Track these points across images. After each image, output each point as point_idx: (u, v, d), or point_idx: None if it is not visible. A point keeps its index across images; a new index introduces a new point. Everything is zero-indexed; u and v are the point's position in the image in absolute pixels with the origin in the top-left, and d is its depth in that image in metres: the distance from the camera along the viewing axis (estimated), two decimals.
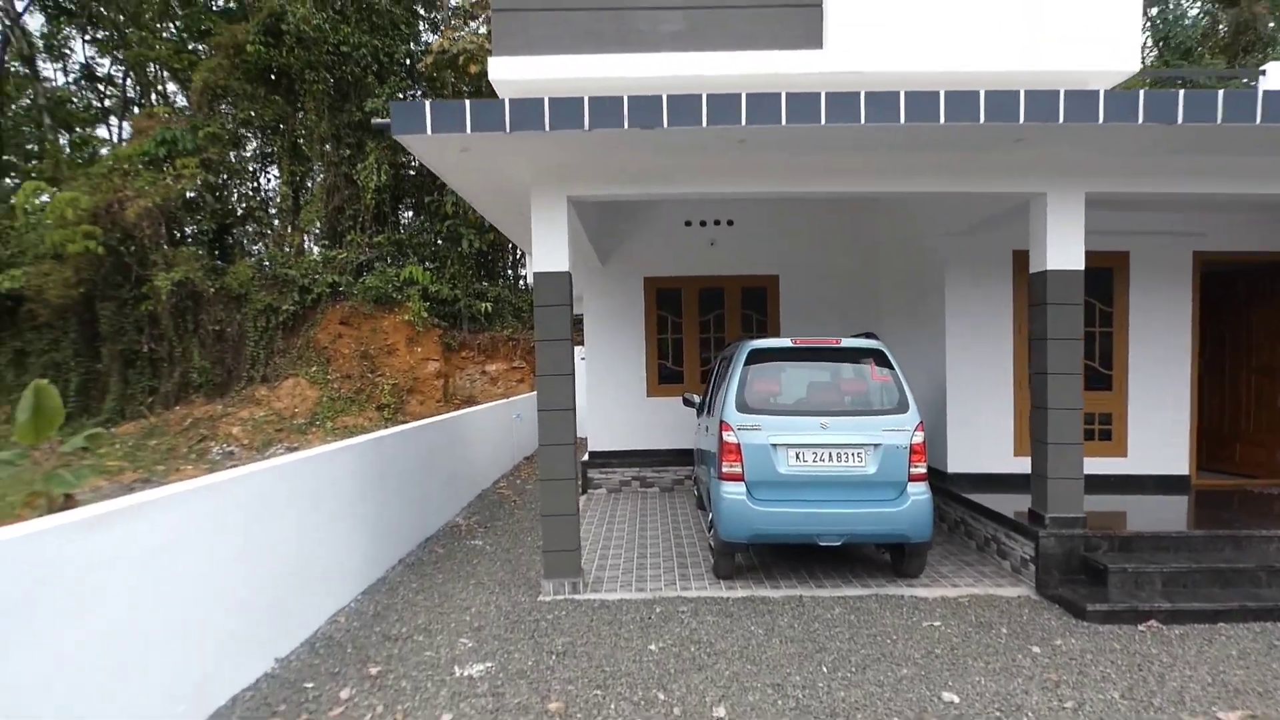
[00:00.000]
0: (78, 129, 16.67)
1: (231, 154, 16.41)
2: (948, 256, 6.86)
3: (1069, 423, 5.11)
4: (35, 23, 20.74)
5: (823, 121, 4.06)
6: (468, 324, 17.38)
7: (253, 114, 16.26)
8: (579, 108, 3.97)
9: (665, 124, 4.01)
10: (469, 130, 3.99)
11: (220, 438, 13.59)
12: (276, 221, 16.48)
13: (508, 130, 4.01)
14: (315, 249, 16.27)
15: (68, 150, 15.81)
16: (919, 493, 4.97)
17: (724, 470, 4.99)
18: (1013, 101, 4.21)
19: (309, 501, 4.47)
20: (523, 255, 18.84)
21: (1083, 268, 5.11)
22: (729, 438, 4.99)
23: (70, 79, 20.87)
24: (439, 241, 17.16)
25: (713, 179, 4.94)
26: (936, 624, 4.47)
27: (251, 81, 16.08)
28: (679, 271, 8.96)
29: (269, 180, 17.72)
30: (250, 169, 17.31)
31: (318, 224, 16.44)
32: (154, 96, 19.76)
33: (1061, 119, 4.23)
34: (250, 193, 16.93)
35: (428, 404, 16.26)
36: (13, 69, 18.37)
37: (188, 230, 15.77)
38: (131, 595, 2.88)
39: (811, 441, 4.93)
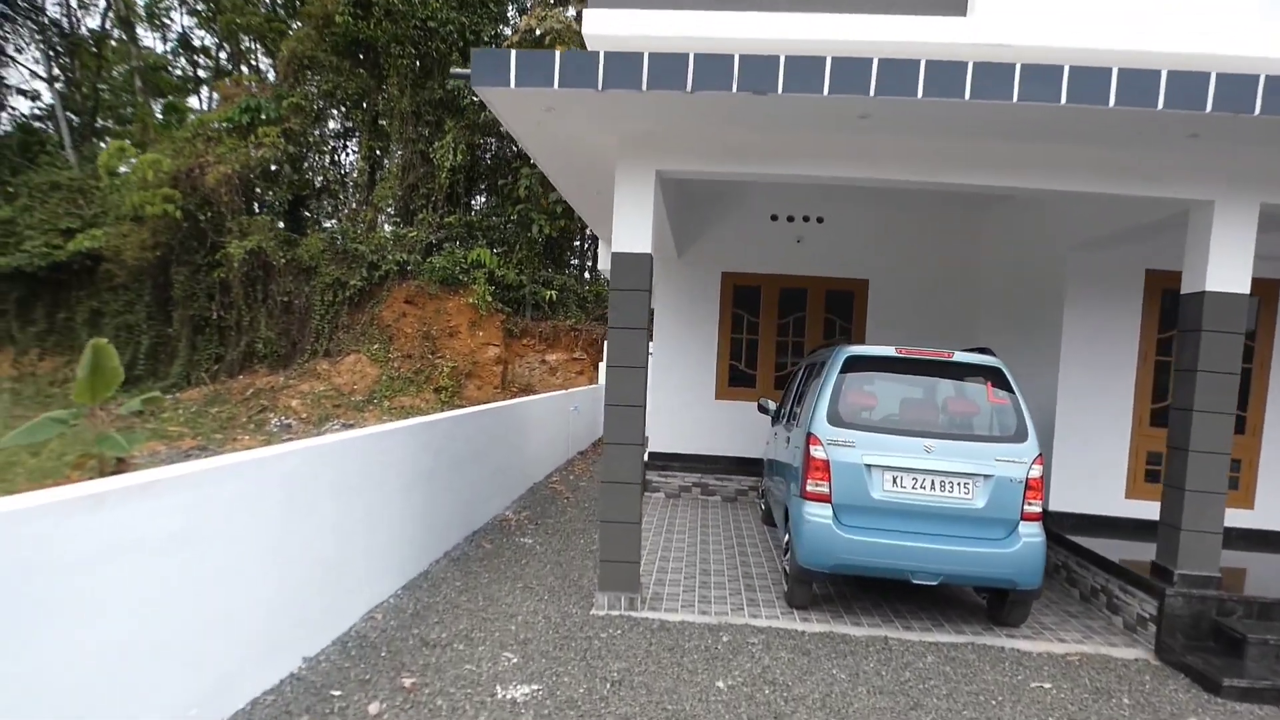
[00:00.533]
0: (170, 96, 17.40)
1: (314, 130, 16.77)
2: (1071, 271, 6.18)
3: (1214, 469, 4.43)
4: None
5: (967, 96, 3.52)
6: (531, 311, 17.27)
7: (337, 87, 16.55)
8: (682, 66, 3.55)
9: (780, 89, 3.55)
10: (556, 85, 3.63)
11: (279, 409, 13.86)
12: (351, 197, 16.77)
13: (599, 88, 3.62)
14: (386, 226, 16.46)
15: (159, 116, 16.51)
16: (1032, 534, 4.37)
17: (808, 489, 4.49)
18: (1199, 86, 3.56)
19: (353, 486, 4.21)
20: (593, 243, 18.63)
21: (1248, 291, 4.40)
22: (817, 453, 4.48)
23: (167, 48, 21.96)
24: (509, 225, 17.12)
25: (821, 160, 4.45)
26: (1046, 686, 3.91)
27: (338, 54, 16.38)
28: (760, 268, 8.45)
29: (348, 156, 18.11)
30: (330, 144, 17.70)
31: (391, 201, 16.64)
32: (245, 68, 20.55)
33: (1258, 109, 3.56)
34: (328, 166, 17.30)
35: (485, 389, 16.22)
36: (113, 35, 19.39)
37: (264, 200, 16.19)
38: (144, 586, 2.56)
39: (913, 465, 4.39)
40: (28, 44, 21.67)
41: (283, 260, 14.85)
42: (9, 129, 21.20)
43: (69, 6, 21.03)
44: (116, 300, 15.53)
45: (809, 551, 4.45)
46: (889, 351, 4.72)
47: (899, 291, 8.32)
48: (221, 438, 12.11)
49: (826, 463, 4.45)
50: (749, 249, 8.44)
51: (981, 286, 8.13)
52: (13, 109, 22.48)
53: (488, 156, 17.54)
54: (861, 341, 8.30)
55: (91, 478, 5.68)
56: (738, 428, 8.48)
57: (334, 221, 16.14)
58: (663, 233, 7.08)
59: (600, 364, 16.24)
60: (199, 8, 20.80)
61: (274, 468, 3.38)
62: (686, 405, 8.59)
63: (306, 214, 16.35)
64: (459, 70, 3.81)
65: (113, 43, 21.17)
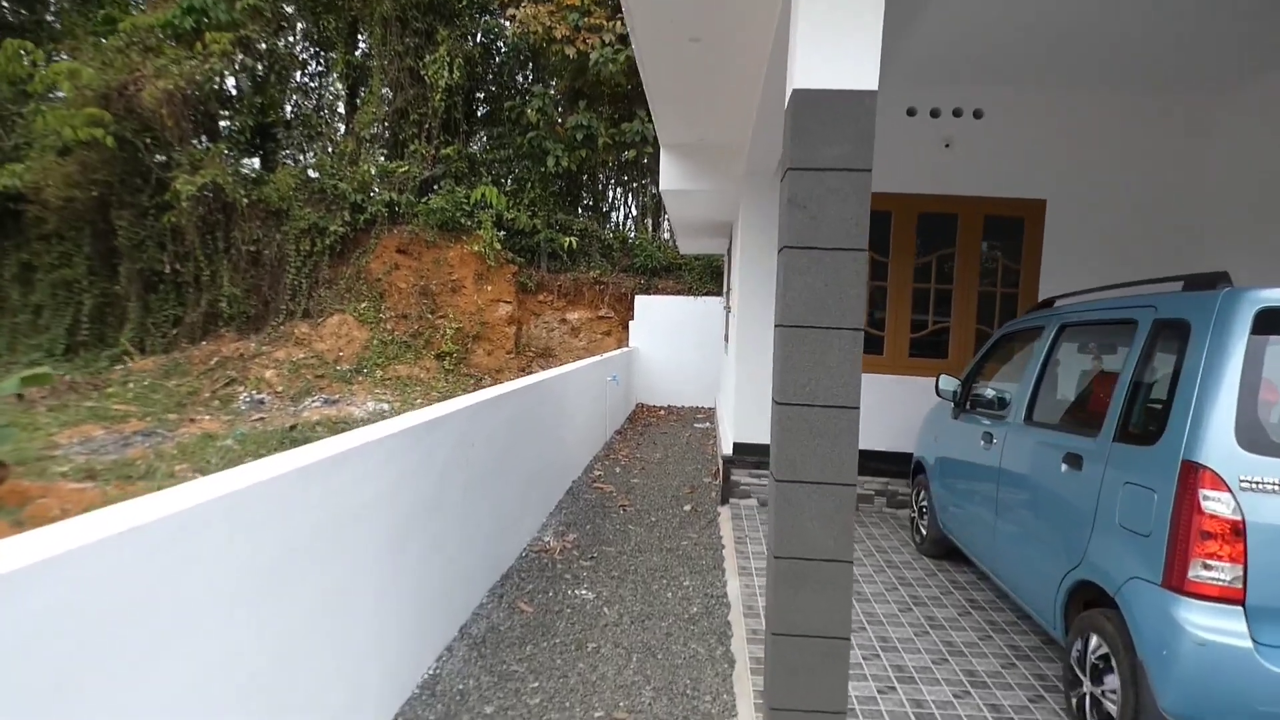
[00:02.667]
0: (105, 9, 14.59)
1: (278, 40, 14.18)
2: None
3: None
4: None
5: None
6: (547, 261, 15.00)
7: None
8: None
9: None
10: None
11: (250, 381, 11.80)
12: (328, 125, 14.31)
13: None
14: (372, 161, 14.05)
15: (96, 33, 14.02)
16: None
17: (1194, 576, 2.33)
18: None
19: (294, 563, 2.13)
20: (626, 175, 16.17)
21: None
22: (1217, 505, 2.30)
23: None
24: (518, 159, 14.68)
25: None
26: None
27: None
28: (891, 186, 6.14)
29: (321, 73, 15.38)
30: (300, 59, 14.99)
31: (376, 129, 14.23)
32: None
33: None
34: (298, 86, 14.66)
35: (496, 354, 14.08)
36: None
37: (222, 128, 13.68)
38: None
39: None
40: None
41: (245, 201, 12.54)
42: None
43: None
44: (50, 252, 13.20)
45: (1194, 692, 2.32)
46: None
47: (1089, 217, 6.03)
48: (176, 418, 10.07)
49: (1239, 527, 2.27)
50: (875, 158, 6.12)
51: (1212, 208, 5.82)
52: None
53: (490, 74, 15.04)
54: (1034, 286, 6.07)
55: None
56: (864, 409, 6.29)
57: (309, 155, 13.75)
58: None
59: (630, 323, 14.03)
60: None
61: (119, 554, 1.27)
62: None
63: (275, 146, 13.92)
64: None
65: None
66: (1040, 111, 6.00)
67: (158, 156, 12.80)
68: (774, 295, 5.78)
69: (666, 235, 16.94)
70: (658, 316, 13.86)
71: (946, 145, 6.04)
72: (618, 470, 8.14)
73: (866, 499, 6.37)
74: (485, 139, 15.38)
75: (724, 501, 6.50)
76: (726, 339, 9.30)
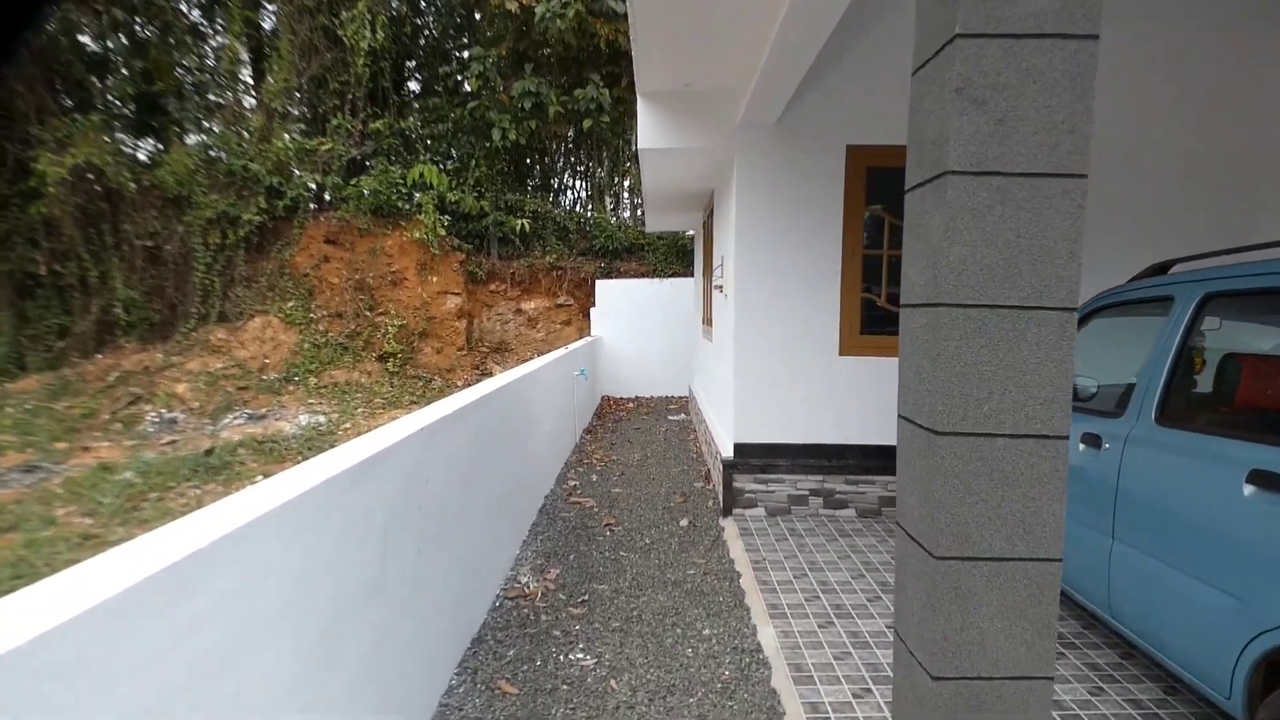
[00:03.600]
0: None
1: None
2: None
3: None
4: None
5: None
6: (498, 247, 13.86)
7: None
8: None
9: None
10: None
11: (159, 399, 10.39)
12: (231, 95, 12.69)
13: None
14: (287, 136, 12.53)
15: None
16: None
17: None
18: None
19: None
20: (581, 149, 15.03)
21: None
22: None
23: None
24: (459, 132, 13.43)
25: None
26: None
27: None
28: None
29: (219, 37, 13.58)
30: (190, 15, 13.09)
31: (289, 100, 12.74)
32: None
33: None
34: (190, 49, 12.76)
35: (446, 352, 12.93)
36: None
37: (93, 99, 11.85)
38: None
39: None
40: None
41: (134, 186, 10.95)
42: None
43: None
44: None
45: None
46: None
47: (1129, 173, 5.34)
48: (66, 447, 8.67)
49: None
50: (894, 107, 5.30)
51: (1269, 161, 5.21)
52: None
53: (422, 37, 13.71)
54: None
55: None
56: (881, 400, 5.54)
57: (210, 131, 12.11)
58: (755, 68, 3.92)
59: (591, 310, 13.06)
60: None
61: None
62: (793, 369, 5.58)
63: (168, 121, 12.16)
64: None
65: None
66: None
67: (10, 131, 10.97)
68: (784, 269, 4.88)
69: (627, 214, 15.96)
70: (621, 301, 12.94)
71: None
72: (594, 478, 7.21)
73: (890, 500, 5.60)
74: (420, 112, 14.07)
75: (726, 513, 5.65)
76: (708, 321, 8.42)
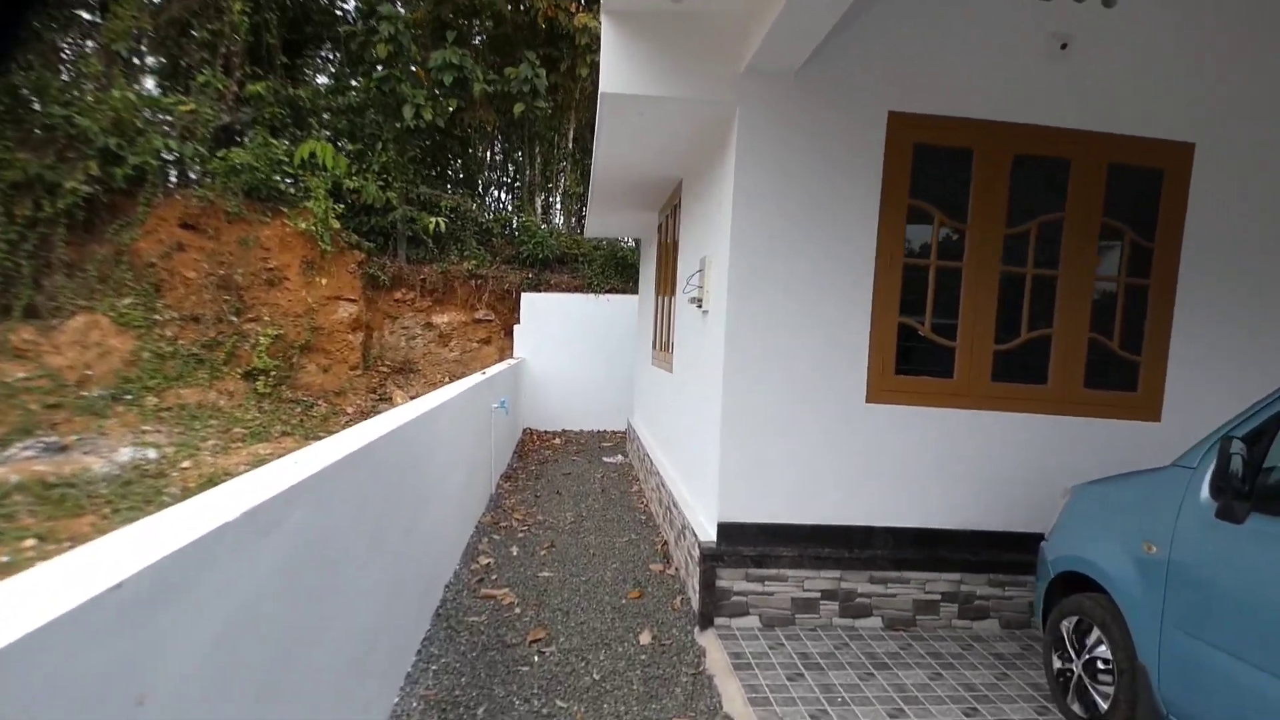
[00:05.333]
0: None
1: None
2: None
3: None
4: None
5: None
6: (405, 248, 11.89)
7: None
8: None
9: None
10: None
11: None
12: (52, 31, 10.14)
13: None
14: (133, 90, 10.10)
15: None
16: None
17: None
18: None
19: None
20: (509, 140, 13.22)
21: None
22: None
23: None
24: (363, 107, 11.46)
25: None
26: None
27: None
28: (973, 108, 4.00)
29: None
30: None
31: (137, 45, 10.37)
32: None
33: None
34: None
35: (335, 371, 10.84)
36: None
37: None
38: None
39: None
40: None
41: None
42: None
43: None
44: None
45: None
46: None
47: (1259, 174, 4.17)
48: None
49: None
50: (952, 63, 3.96)
51: None
52: None
53: None
54: (1173, 270, 4.12)
55: None
56: (921, 464, 4.12)
57: (27, 67, 9.57)
58: None
59: (516, 327, 11.30)
60: None
61: None
62: (802, 420, 4.09)
63: None
64: None
65: None
66: (1199, 5, 4.06)
67: None
68: (795, 281, 3.35)
69: (560, 221, 14.31)
70: (550, 319, 11.28)
71: (1063, 47, 3.94)
72: (515, 551, 5.47)
73: (929, 606, 4.14)
74: (316, 79, 12.03)
75: (705, 622, 4.05)
76: (664, 347, 6.87)
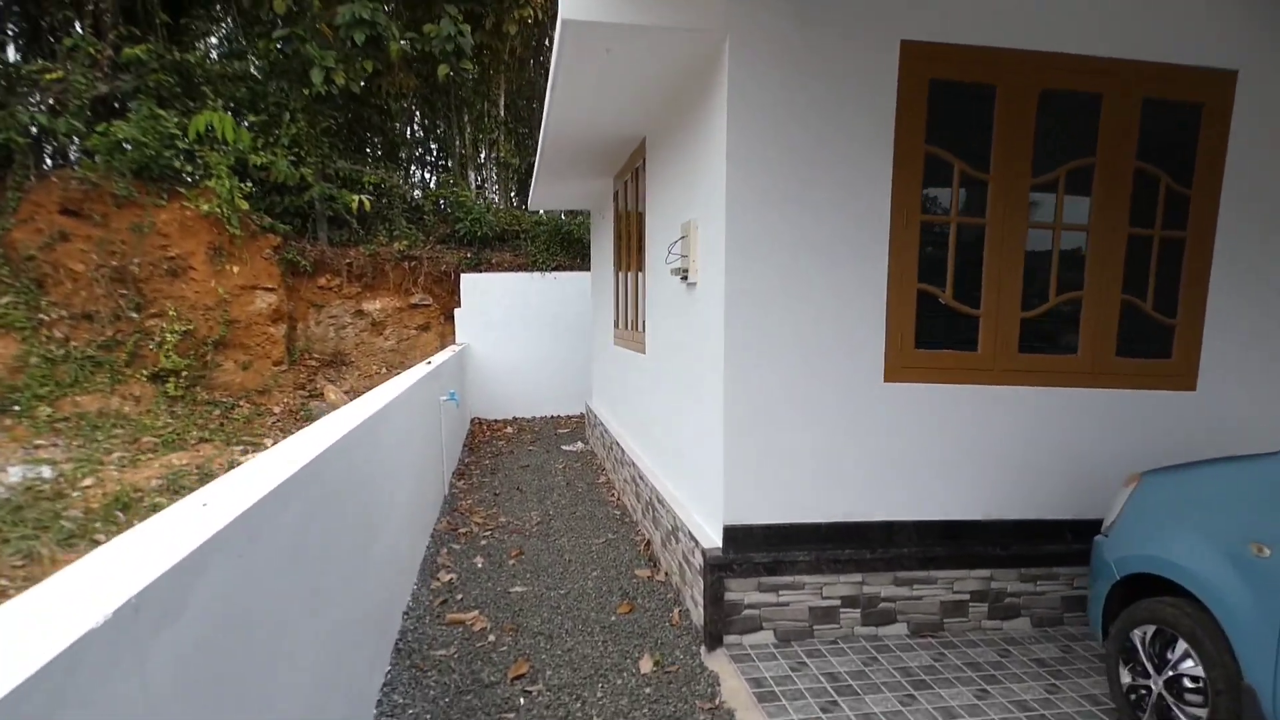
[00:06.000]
0: None
1: None
2: None
3: None
4: None
5: None
6: (327, 230, 10.83)
7: None
8: None
9: None
10: None
11: None
12: None
13: None
14: None
15: None
16: None
17: None
18: None
19: None
20: (433, 108, 12.18)
21: None
22: None
23: None
24: (267, 74, 10.26)
25: None
26: None
27: None
28: (997, 37, 3.46)
29: None
30: None
31: None
32: None
33: None
34: None
35: (257, 367, 9.79)
36: None
37: None
38: None
39: None
40: None
41: None
42: None
43: None
44: None
45: None
46: None
47: None
48: None
49: None
50: None
51: None
52: None
53: None
54: (1210, 223, 3.73)
55: None
56: (945, 447, 3.66)
57: None
58: None
59: (457, 310, 10.47)
60: None
61: None
62: (813, 404, 3.56)
63: None
64: None
65: None
66: None
67: None
68: (801, 241, 2.86)
69: (496, 197, 13.39)
70: (494, 301, 10.51)
71: None
72: (479, 562, 4.81)
73: (957, 607, 3.70)
74: (208, 41, 10.71)
75: (714, 642, 3.50)
76: (632, 325, 6.25)
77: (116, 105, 9.58)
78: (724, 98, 3.33)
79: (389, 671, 3.35)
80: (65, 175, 8.85)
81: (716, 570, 3.46)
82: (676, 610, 3.94)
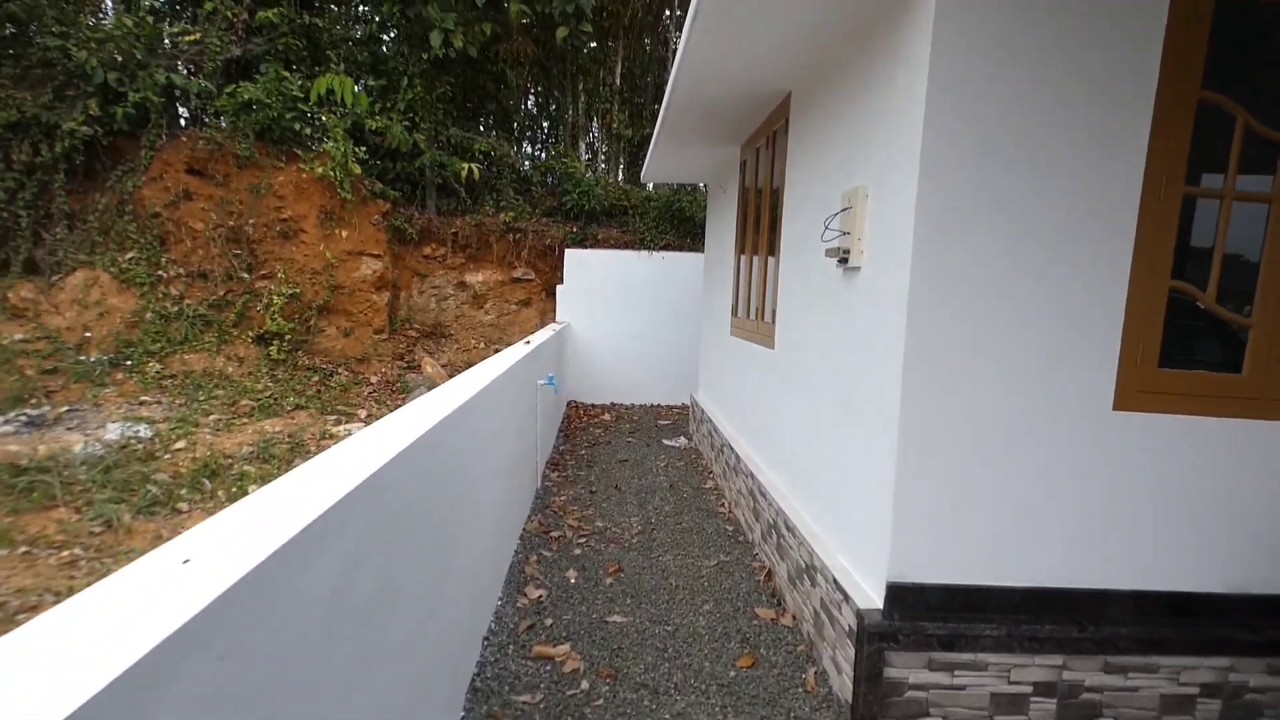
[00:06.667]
0: None
1: None
2: None
3: None
4: None
5: None
6: (435, 198, 10.61)
7: None
8: None
9: None
10: None
11: None
12: None
13: None
14: (133, 19, 8.85)
15: None
16: None
17: None
18: None
19: None
20: (549, 76, 11.76)
21: None
22: None
23: None
24: (385, 39, 10.07)
25: None
26: None
27: None
28: None
29: None
30: None
31: None
32: None
33: None
34: None
35: (358, 335, 9.71)
36: None
37: None
38: None
39: None
40: None
41: None
42: None
43: None
44: None
45: None
46: None
47: None
48: None
49: None
50: None
51: None
52: None
53: None
54: None
55: None
56: (1196, 498, 2.73)
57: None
58: None
59: (559, 287, 10.02)
60: None
61: None
62: (1020, 437, 2.69)
63: None
64: None
65: None
66: None
67: None
68: (1017, 218, 2.02)
69: (604, 169, 12.86)
70: (597, 279, 9.99)
71: None
72: (572, 577, 4.25)
73: (1181, 704, 2.79)
74: (334, 5, 10.64)
75: None
76: (757, 314, 5.50)
77: (245, 67, 9.65)
78: (927, 27, 2.53)
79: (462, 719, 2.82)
80: (193, 135, 8.95)
81: (876, 639, 2.71)
82: (812, 671, 3.22)
